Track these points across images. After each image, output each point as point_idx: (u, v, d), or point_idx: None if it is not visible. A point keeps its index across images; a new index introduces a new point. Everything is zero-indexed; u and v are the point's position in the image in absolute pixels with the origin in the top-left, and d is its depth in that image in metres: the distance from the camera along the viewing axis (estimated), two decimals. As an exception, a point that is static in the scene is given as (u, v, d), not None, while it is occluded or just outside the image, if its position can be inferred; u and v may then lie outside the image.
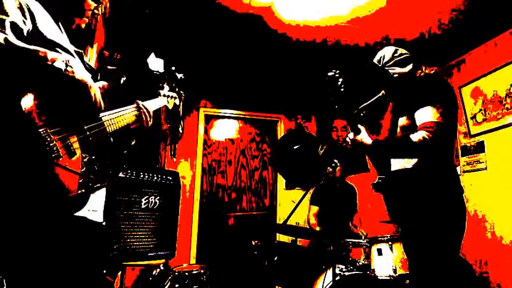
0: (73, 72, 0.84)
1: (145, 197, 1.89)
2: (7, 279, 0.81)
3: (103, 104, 0.94)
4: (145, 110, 1.19)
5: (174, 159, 3.64)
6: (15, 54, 0.76)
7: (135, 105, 1.18)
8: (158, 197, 1.95)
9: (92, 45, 1.61)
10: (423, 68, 1.58)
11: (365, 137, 1.53)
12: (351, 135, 1.58)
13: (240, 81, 3.91)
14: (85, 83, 0.87)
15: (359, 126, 1.56)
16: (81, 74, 0.87)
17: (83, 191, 0.86)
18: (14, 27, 0.82)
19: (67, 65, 0.82)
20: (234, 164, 4.06)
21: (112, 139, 1.01)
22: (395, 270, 2.21)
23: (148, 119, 1.20)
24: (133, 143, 1.19)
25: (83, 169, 0.87)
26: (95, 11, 1.12)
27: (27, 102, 0.75)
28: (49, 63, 0.79)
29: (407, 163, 1.52)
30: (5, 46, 0.74)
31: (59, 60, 0.81)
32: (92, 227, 1.03)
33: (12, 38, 0.77)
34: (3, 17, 0.81)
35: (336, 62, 3.26)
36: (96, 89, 0.91)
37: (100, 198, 1.03)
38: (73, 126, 0.87)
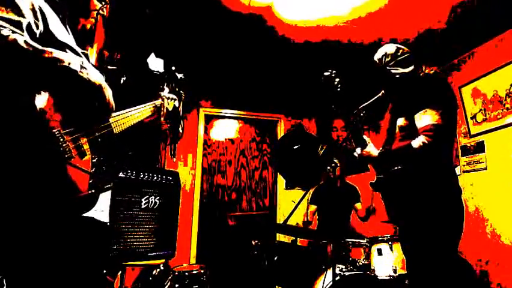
0: (88, 74, 0.85)
1: (145, 197, 1.89)
2: (7, 279, 0.81)
3: (114, 105, 0.95)
4: (160, 104, 1.32)
5: (174, 159, 3.65)
6: (34, 57, 0.76)
7: (153, 102, 1.29)
8: (158, 197, 1.95)
9: (92, 45, 1.61)
10: (424, 68, 1.58)
11: (372, 150, 1.62)
12: (358, 150, 1.66)
13: (240, 81, 3.91)
14: (99, 85, 0.89)
15: (365, 137, 1.61)
16: (95, 75, 0.88)
17: (93, 191, 0.87)
18: (29, 28, 0.83)
19: (81, 67, 0.84)
20: (234, 164, 4.06)
21: (118, 140, 1.03)
22: (395, 270, 2.21)
23: (164, 113, 1.33)
24: (144, 139, 1.25)
25: (92, 170, 0.89)
26: (100, 12, 1.13)
27: (42, 103, 0.76)
28: (65, 65, 0.80)
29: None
30: (25, 49, 0.75)
31: (74, 63, 0.83)
32: (93, 227, 1.03)
33: (30, 40, 0.78)
34: (21, 19, 0.81)
35: (336, 62, 3.26)
36: (109, 90, 0.93)
37: (106, 198, 1.05)
38: (86, 127, 0.89)
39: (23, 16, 0.82)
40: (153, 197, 1.93)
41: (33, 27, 0.85)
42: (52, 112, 0.78)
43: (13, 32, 0.76)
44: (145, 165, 1.99)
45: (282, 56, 3.31)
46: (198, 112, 3.94)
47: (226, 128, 4.13)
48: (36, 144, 0.74)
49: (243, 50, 3.22)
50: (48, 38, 0.89)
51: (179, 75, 1.53)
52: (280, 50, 3.17)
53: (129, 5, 2.37)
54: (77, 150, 0.84)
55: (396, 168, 1.57)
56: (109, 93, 0.92)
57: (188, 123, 3.81)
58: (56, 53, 0.80)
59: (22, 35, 0.78)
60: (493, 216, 2.81)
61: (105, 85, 0.91)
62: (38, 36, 0.86)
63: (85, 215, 0.92)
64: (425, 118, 1.40)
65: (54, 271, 0.90)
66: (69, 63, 0.81)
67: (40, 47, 0.78)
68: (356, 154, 1.68)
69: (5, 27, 0.75)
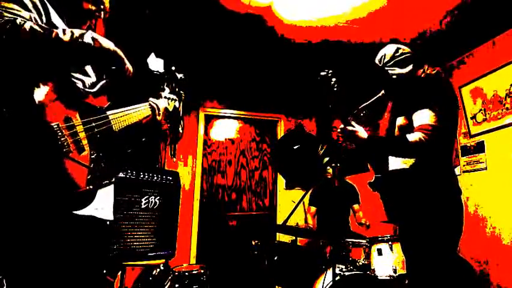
0: (101, 43, 0.89)
1: (145, 197, 1.89)
2: (7, 279, 0.81)
3: (132, 70, 1.00)
4: (155, 105, 1.31)
5: (174, 159, 3.65)
6: (50, 38, 0.79)
7: (148, 102, 1.29)
8: (158, 197, 1.95)
9: (92, 45, 1.61)
10: (426, 68, 1.57)
11: (361, 131, 1.53)
12: (342, 125, 1.56)
13: (240, 81, 3.91)
14: (114, 50, 0.93)
15: (352, 123, 1.55)
16: (107, 42, 0.92)
17: (91, 187, 0.87)
18: (35, 21, 0.85)
19: (93, 39, 0.87)
20: (234, 164, 4.06)
21: (117, 137, 1.02)
22: (395, 270, 2.22)
23: (159, 112, 1.32)
24: (143, 139, 1.24)
25: (91, 166, 0.88)
26: (96, 14, 1.13)
27: (41, 96, 0.76)
28: (79, 40, 0.84)
29: (405, 163, 1.52)
30: (41, 32, 0.77)
31: (86, 35, 0.86)
32: (93, 226, 1.03)
33: (41, 23, 0.81)
34: (28, 13, 0.84)
35: (336, 62, 3.26)
36: (122, 54, 0.97)
37: (107, 195, 1.04)
38: (86, 118, 0.89)
39: (29, 11, 0.85)
40: (153, 197, 1.93)
41: (38, 19, 0.87)
42: (52, 105, 0.78)
43: (24, 22, 0.77)
44: (145, 165, 2.00)
45: (282, 56, 3.31)
46: (198, 112, 3.94)
47: (226, 128, 4.13)
48: (34, 138, 0.74)
49: (243, 50, 3.22)
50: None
51: (179, 75, 1.53)
52: (280, 50, 3.17)
53: (129, 6, 2.37)
54: (76, 145, 0.83)
55: (395, 168, 1.57)
56: (123, 57, 0.96)
57: (188, 123, 3.81)
58: (68, 31, 0.83)
59: (29, 22, 0.79)
60: (493, 216, 2.82)
61: (118, 49, 0.95)
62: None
63: (84, 213, 0.91)
64: (423, 117, 1.39)
65: (54, 270, 0.90)
66: (82, 36, 0.84)
67: (52, 29, 0.81)
68: (339, 130, 1.58)
69: (17, 18, 0.77)
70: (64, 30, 0.82)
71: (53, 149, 0.77)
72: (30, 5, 0.86)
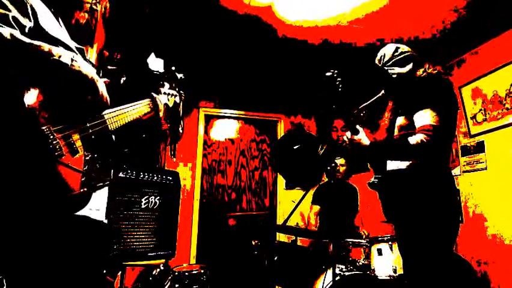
0: (79, 67, 0.83)
1: (145, 197, 1.89)
2: (7, 279, 0.81)
3: (108, 99, 0.93)
4: (158, 100, 1.29)
5: (174, 159, 3.65)
6: (21, 50, 0.75)
7: (149, 98, 1.25)
8: (158, 197, 1.95)
9: (92, 45, 1.60)
10: (426, 67, 1.57)
11: (363, 138, 1.55)
12: (348, 134, 1.59)
13: (240, 81, 3.91)
14: (91, 78, 0.86)
15: (357, 127, 1.57)
16: (86, 69, 0.86)
17: (86, 189, 0.86)
18: (16, 22, 0.81)
19: (72, 60, 0.82)
20: (234, 164, 4.06)
21: (113, 137, 1.01)
22: (395, 270, 2.22)
23: (161, 107, 1.29)
24: (144, 135, 1.23)
25: (86, 167, 0.86)
26: (94, 7, 1.11)
27: (31, 98, 0.74)
28: (55, 58, 0.79)
29: (402, 163, 1.52)
30: (11, 41, 0.73)
31: (65, 55, 0.81)
32: (93, 227, 1.03)
33: (17, 34, 0.76)
34: (6, 12, 0.80)
35: (337, 62, 3.26)
36: (102, 83, 0.90)
37: (102, 197, 1.03)
38: (78, 122, 0.86)
39: (7, 9, 0.80)
40: (153, 197, 1.93)
41: (22, 21, 0.83)
42: (42, 109, 0.76)
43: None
44: (145, 165, 1.99)
45: (282, 56, 3.31)
46: (198, 112, 3.94)
47: (226, 128, 4.13)
48: (25, 142, 0.73)
49: (243, 50, 3.22)
50: (38, 33, 0.87)
51: (179, 75, 1.52)
52: (280, 50, 3.17)
53: (129, 5, 2.37)
54: (69, 147, 0.82)
55: (392, 168, 1.57)
56: (101, 86, 0.89)
57: (188, 123, 3.81)
58: (46, 47, 0.78)
59: (8, 28, 0.76)
60: (493, 216, 2.81)
61: (97, 78, 0.88)
62: (27, 31, 0.85)
63: (79, 213, 0.90)
64: (425, 118, 1.39)
65: (53, 271, 0.90)
66: (59, 56, 0.79)
67: (28, 40, 0.76)
68: (345, 139, 1.62)
69: None
70: (39, 44, 0.78)
71: (44, 153, 0.75)
72: (9, 5, 0.82)
